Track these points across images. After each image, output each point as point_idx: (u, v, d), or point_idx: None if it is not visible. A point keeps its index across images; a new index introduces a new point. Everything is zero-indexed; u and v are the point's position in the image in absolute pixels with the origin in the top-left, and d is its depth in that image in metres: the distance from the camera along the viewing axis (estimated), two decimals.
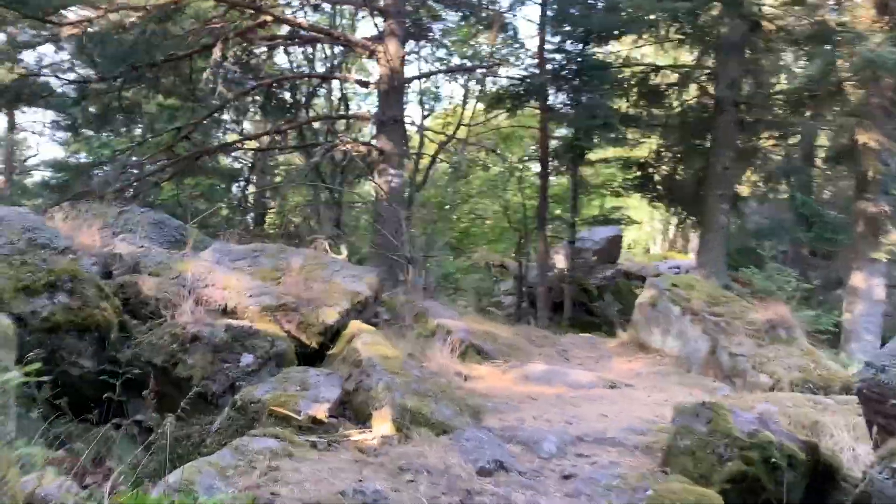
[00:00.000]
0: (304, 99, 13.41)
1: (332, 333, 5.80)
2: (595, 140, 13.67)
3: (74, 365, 5.14)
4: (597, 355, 8.88)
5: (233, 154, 15.41)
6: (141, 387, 5.38)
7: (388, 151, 10.58)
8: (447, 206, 17.58)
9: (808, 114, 15.23)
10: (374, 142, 11.35)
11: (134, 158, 12.83)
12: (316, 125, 14.08)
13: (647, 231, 36.55)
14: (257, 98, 13.94)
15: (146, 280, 5.83)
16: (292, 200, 18.84)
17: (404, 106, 11.44)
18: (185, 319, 5.41)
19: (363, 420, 4.81)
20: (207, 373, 5.08)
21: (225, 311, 5.62)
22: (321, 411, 4.50)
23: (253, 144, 14.31)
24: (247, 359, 5.14)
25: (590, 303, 19.64)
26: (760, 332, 7.88)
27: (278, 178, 16.51)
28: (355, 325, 5.74)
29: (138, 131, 14.83)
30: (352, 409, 4.96)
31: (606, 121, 12.40)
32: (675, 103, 17.37)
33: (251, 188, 18.05)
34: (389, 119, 10.68)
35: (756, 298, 9.23)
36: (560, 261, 19.66)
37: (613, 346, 9.51)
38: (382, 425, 4.58)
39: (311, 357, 5.66)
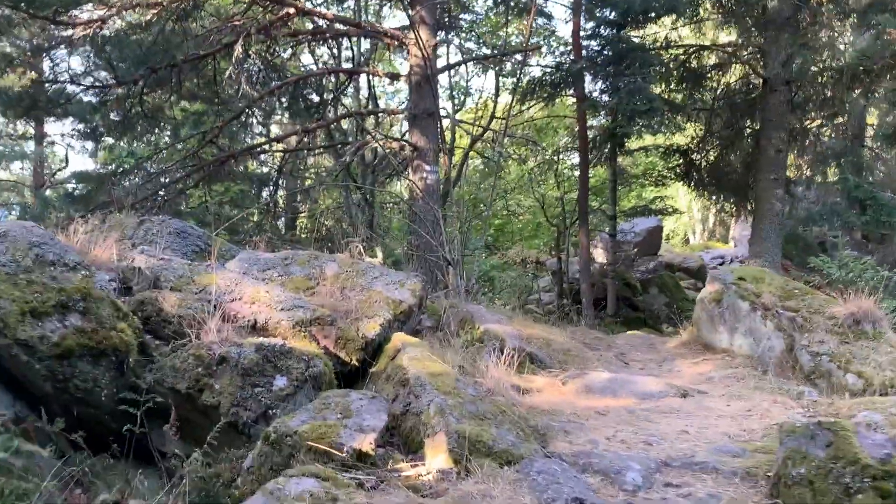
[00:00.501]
0: (331, 97, 12.85)
1: (374, 348, 5.20)
2: (638, 126, 12.90)
3: (90, 394, 4.62)
4: (658, 358, 8.17)
5: (261, 157, 14.92)
6: (166, 416, 4.85)
7: (422, 147, 9.98)
8: (482, 204, 16.94)
9: (857, 91, 14.27)
10: (406, 137, 10.74)
11: (160, 167, 12.44)
12: (345, 124, 13.54)
13: (685, 221, 35.54)
14: (283, 99, 13.44)
15: (167, 296, 5.29)
16: (323, 203, 18.38)
17: (437, 99, 10.82)
18: (211, 339, 4.85)
19: (414, 449, 4.21)
20: (237, 399, 4.51)
21: (254, 328, 5.05)
22: (367, 443, 3.90)
23: (281, 147, 13.80)
24: (280, 382, 4.56)
25: (634, 297, 18.90)
26: (843, 327, 7.09)
27: (309, 181, 16.00)
28: (399, 338, 5.13)
29: (164, 139, 14.43)
30: (400, 437, 4.36)
31: (652, 105, 11.64)
32: (719, 85, 16.52)
33: (281, 192, 17.62)
34: (422, 113, 10.06)
35: (829, 291, 8.44)
36: (599, 255, 18.94)
37: (674, 347, 8.78)
38: (437, 457, 3.96)
39: (352, 376, 5.07)
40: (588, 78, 14.12)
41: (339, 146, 12.81)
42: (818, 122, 17.50)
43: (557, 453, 4.28)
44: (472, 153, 14.96)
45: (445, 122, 12.63)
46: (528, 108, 16.72)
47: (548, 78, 14.50)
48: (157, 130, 13.74)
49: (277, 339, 4.84)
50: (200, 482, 3.96)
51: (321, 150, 14.91)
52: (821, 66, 14.85)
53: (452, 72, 15.60)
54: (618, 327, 16.47)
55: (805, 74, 14.30)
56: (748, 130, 15.69)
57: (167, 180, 12.00)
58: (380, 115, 13.31)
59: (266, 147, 12.72)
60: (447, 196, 12.36)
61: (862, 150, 19.83)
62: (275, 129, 17.31)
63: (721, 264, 25.47)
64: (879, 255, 19.43)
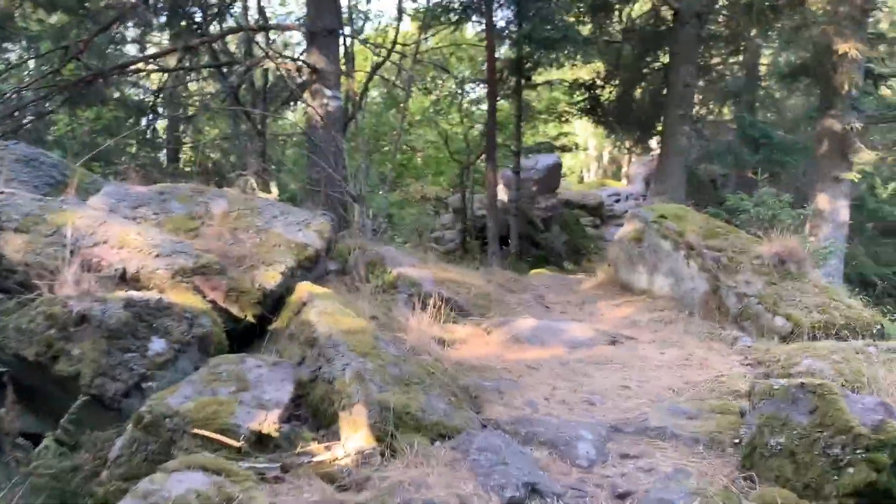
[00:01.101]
0: (215, 11, 11.39)
1: (274, 301, 4.38)
2: (551, 56, 12.26)
3: None
4: (577, 300, 7.76)
5: (136, 80, 13.26)
6: (18, 390, 3.92)
7: (323, 69, 8.91)
8: (384, 136, 15.99)
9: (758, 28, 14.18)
10: (304, 58, 9.61)
11: (13, 87, 10.75)
12: (233, 46, 12.14)
13: (581, 158, 35.76)
14: (160, 13, 11.83)
15: (10, 238, 4.24)
16: (209, 134, 16.80)
17: (340, 13, 9.66)
18: (68, 292, 3.89)
19: (327, 423, 3.49)
20: (102, 367, 3.62)
21: (123, 279, 4.11)
22: (269, 423, 3.15)
23: (157, 67, 12.23)
24: (157, 345, 3.70)
25: (536, 235, 18.71)
26: (768, 267, 6.87)
27: (192, 109, 14.44)
28: (304, 287, 4.33)
29: (16, 54, 12.51)
30: (308, 408, 3.62)
31: (566, 33, 10.99)
32: (627, 18, 16.10)
33: (162, 121, 15.95)
34: (322, 30, 8.95)
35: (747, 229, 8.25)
36: (501, 192, 18.47)
37: (591, 288, 8.41)
38: (356, 434, 3.27)
39: (247, 335, 4.26)
40: (496, 4, 13.29)
41: (226, 67, 11.45)
42: (719, 59, 17.51)
43: (495, 421, 3.68)
44: (374, 80, 13.86)
45: (349, 43, 11.47)
46: (434, 35, 15.76)
47: (455, 2, 13.56)
48: (7, 44, 11.85)
49: (153, 292, 3.94)
50: (51, 479, 3.10)
51: (204, 71, 13.43)
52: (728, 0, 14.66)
53: None
54: (521, 265, 16.23)
55: (714, 8, 14.07)
56: (657, 65, 15.42)
57: (23, 102, 10.36)
58: (272, 32, 11.95)
59: (140, 66, 11.19)
60: (347, 126, 11.38)
61: (757, 89, 20.17)
62: (153, 51, 15.50)
63: (617, 201, 25.78)
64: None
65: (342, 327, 3.88)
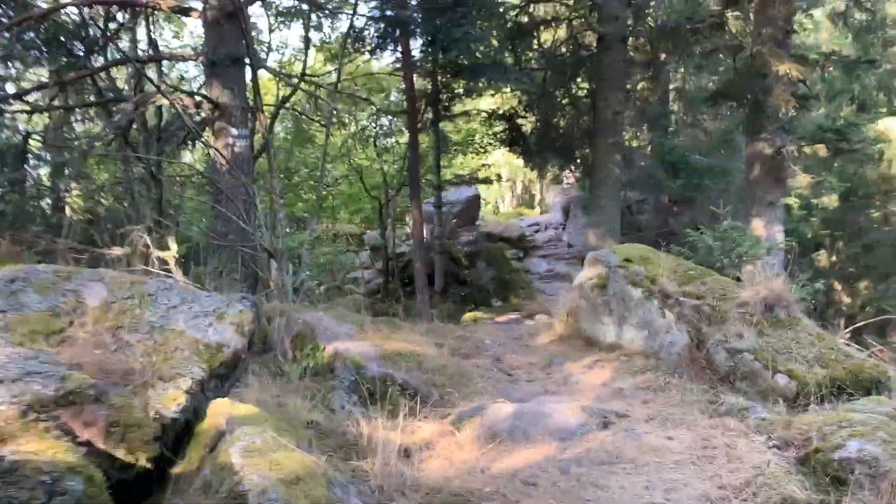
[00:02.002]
0: (99, 40, 9.86)
1: (178, 433, 3.11)
2: (477, 85, 11.40)
3: None
4: (540, 361, 6.73)
5: (6, 119, 11.47)
6: None
7: (226, 104, 7.66)
8: (296, 175, 14.70)
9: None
10: (204, 92, 8.30)
11: None
12: (119, 76, 10.62)
13: (495, 189, 35.44)
14: (35, 41, 10.22)
15: None
16: (99, 180, 15.00)
17: (249, 38, 8.38)
18: None
19: None
20: None
21: None
22: None
23: (31, 107, 10.56)
24: None
25: (460, 272, 17.85)
26: (756, 315, 6.08)
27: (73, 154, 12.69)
28: (221, 408, 3.09)
29: None
30: None
31: (495, 59, 10.14)
32: (547, 44, 15.56)
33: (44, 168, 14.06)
34: (225, 58, 7.71)
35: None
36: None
37: (551, 343, 7.43)
38: None
39: (142, 486, 2.97)
40: (416, 30, 12.35)
41: (113, 104, 9.96)
42: (641, 84, 17.25)
43: None
44: (281, 114, 12.62)
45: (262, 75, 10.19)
46: (347, 65, 14.66)
47: (368, 28, 12.54)
48: None
49: None
50: None
51: (92, 111, 11.81)
52: (652, 24, 14.33)
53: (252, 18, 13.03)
54: (449, 307, 15.26)
55: (638, 32, 13.68)
56: (582, 92, 14.89)
57: None
58: (165, 63, 10.54)
59: (5, 105, 9.53)
60: (255, 164, 10.08)
61: (670, 114, 20.15)
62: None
63: (537, 231, 25.32)
64: (687, 217, 19.89)
65: (281, 473, 2.67)
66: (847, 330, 7.01)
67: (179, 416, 3.05)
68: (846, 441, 4.04)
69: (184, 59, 9.79)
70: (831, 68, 11.86)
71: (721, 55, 14.27)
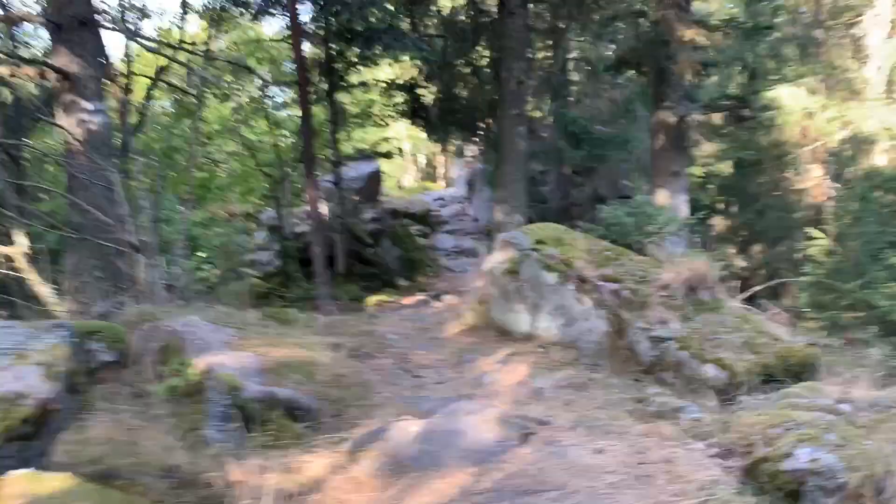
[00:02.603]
0: None
1: None
2: (372, 53, 10.55)
3: None
4: (451, 357, 6.09)
5: None
6: None
7: (76, 73, 6.50)
8: (179, 151, 13.37)
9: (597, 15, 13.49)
10: (50, 60, 7.05)
11: None
12: None
13: (398, 163, 34.62)
14: None
15: None
16: None
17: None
18: None
19: None
20: None
21: None
22: None
23: None
24: None
25: (364, 251, 17.04)
26: (680, 299, 5.65)
27: None
28: (18, 487, 2.25)
29: None
30: None
31: (391, 25, 9.32)
32: (447, 10, 14.81)
33: None
34: (71, 20, 6.53)
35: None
36: (321, 206, 16.64)
37: (461, 334, 6.80)
38: None
39: None
40: None
41: None
42: (542, 53, 16.81)
43: None
44: (161, 87, 11.32)
45: (123, 41, 8.93)
46: (230, 33, 13.43)
47: None
48: None
49: None
50: None
51: None
52: None
53: None
54: (352, 288, 14.50)
55: None
56: (484, 62, 14.25)
57: None
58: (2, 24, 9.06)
59: None
60: (127, 147, 8.88)
61: (570, 83, 19.87)
62: None
63: (443, 206, 24.76)
64: (588, 188, 19.75)
65: None
66: (744, 295, 6.77)
67: None
68: (794, 449, 3.59)
69: (21, 20, 8.40)
70: (732, 35, 11.66)
71: (621, 23, 13.93)
